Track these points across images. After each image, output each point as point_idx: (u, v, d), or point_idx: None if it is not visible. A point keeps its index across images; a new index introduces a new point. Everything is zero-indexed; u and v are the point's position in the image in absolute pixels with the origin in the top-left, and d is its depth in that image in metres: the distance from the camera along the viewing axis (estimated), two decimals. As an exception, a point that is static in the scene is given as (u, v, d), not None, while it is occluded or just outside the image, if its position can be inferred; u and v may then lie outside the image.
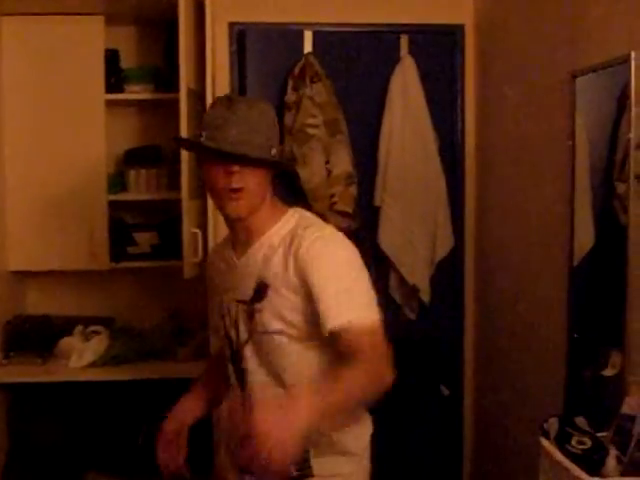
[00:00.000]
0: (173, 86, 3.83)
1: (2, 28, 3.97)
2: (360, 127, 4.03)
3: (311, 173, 3.85)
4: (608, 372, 2.61)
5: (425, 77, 4.04)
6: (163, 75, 4.13)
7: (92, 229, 4.00)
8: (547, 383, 3.20)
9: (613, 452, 2.14)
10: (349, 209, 3.88)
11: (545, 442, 2.30)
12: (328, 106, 3.89)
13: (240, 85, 4.02)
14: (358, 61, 4.07)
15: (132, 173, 4.18)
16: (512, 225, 3.68)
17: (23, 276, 4.25)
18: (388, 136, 4.02)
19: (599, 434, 2.26)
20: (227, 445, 2.47)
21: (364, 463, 2.38)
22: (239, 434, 2.23)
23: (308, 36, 4.00)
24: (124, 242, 4.21)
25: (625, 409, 2.22)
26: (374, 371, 2.09)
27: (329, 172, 3.88)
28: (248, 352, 2.29)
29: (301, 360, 2.24)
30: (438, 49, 4.16)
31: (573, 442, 2.20)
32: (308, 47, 3.99)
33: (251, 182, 2.20)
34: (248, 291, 2.27)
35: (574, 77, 2.90)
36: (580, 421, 2.32)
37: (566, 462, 2.15)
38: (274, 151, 2.23)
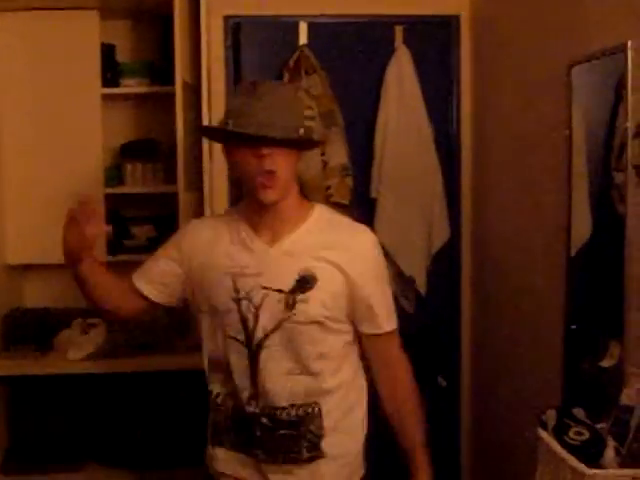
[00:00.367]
0: (169, 80, 3.83)
1: (-2, 23, 3.96)
2: (355, 119, 4.03)
3: (307, 165, 3.84)
4: (606, 363, 2.61)
5: (420, 68, 4.04)
6: (159, 69, 4.12)
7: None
8: (545, 374, 3.20)
9: (611, 443, 2.14)
10: (345, 201, 3.88)
11: (543, 433, 2.30)
12: (323, 98, 3.90)
13: (235, 78, 4.02)
14: (353, 52, 4.07)
15: (129, 167, 4.17)
16: (509, 216, 3.68)
17: (21, 269, 4.24)
18: (383, 127, 4.03)
19: (597, 425, 2.26)
20: (236, 424, 2.43)
21: (363, 443, 2.50)
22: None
23: (303, 28, 4.00)
24: (121, 235, 4.21)
25: (623, 400, 2.22)
26: (409, 373, 2.47)
27: (325, 164, 3.88)
28: (272, 339, 2.31)
29: (329, 349, 2.36)
30: (433, 40, 4.16)
31: (571, 433, 2.20)
32: (303, 39, 3.99)
33: (282, 164, 2.24)
34: (287, 280, 2.29)
35: (570, 67, 2.89)
36: (578, 412, 2.32)
37: (564, 453, 2.15)
38: (301, 131, 2.26)
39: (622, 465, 2.09)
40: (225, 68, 4.03)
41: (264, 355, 2.32)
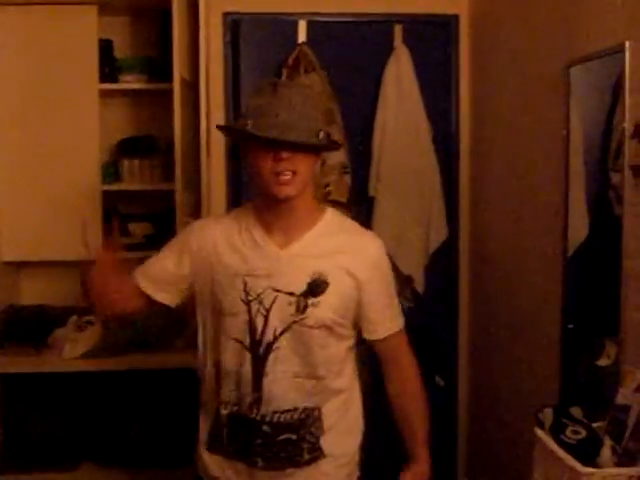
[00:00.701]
0: (167, 76, 3.82)
1: (-5, 18, 3.96)
2: (354, 117, 4.03)
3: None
4: (603, 362, 2.62)
5: (419, 67, 4.05)
6: (157, 65, 4.11)
7: (86, 219, 3.97)
8: (542, 373, 3.21)
9: (608, 442, 2.14)
10: (343, 199, 3.88)
11: (540, 432, 2.30)
12: (322, 96, 3.89)
13: (234, 75, 4.02)
14: (352, 51, 4.08)
15: (126, 163, 4.16)
16: (506, 215, 3.68)
17: (17, 267, 4.23)
18: (382, 126, 4.03)
19: (594, 424, 2.26)
20: (235, 433, 2.39)
21: (360, 444, 2.50)
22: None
23: (302, 26, 4.00)
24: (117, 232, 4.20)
25: (620, 399, 2.22)
26: (416, 368, 2.50)
27: (323, 162, 3.88)
28: (281, 343, 2.29)
29: (336, 353, 2.37)
30: (432, 39, 4.16)
31: (568, 432, 2.20)
32: (302, 37, 3.99)
33: (301, 167, 2.22)
34: (298, 283, 2.28)
35: (568, 67, 2.90)
36: (575, 411, 2.32)
37: (561, 452, 2.15)
38: (322, 134, 2.24)
39: (618, 464, 2.09)
40: (224, 65, 4.03)
41: (272, 358, 2.29)
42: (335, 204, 3.82)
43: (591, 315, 2.85)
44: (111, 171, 4.16)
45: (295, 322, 2.27)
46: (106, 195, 4.05)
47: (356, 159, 4.00)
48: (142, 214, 4.29)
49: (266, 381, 2.30)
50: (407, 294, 4.06)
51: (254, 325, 2.29)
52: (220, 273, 2.35)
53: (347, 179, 3.94)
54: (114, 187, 4.11)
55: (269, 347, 2.29)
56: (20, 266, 4.25)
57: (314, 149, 2.26)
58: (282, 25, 4.03)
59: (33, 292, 4.30)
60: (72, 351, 3.89)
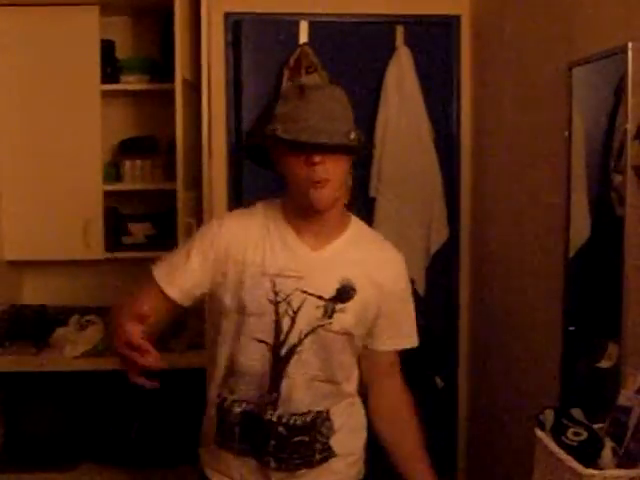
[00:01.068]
0: (168, 76, 3.83)
1: (-3, 19, 3.96)
2: (355, 117, 4.02)
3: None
4: (604, 364, 2.61)
5: (421, 68, 4.04)
6: (158, 65, 4.12)
7: (87, 219, 3.99)
8: (543, 375, 3.20)
9: (609, 444, 2.14)
10: (345, 200, 3.87)
11: (540, 433, 2.30)
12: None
13: (235, 75, 4.01)
14: (354, 52, 4.06)
15: (127, 163, 4.17)
16: (508, 217, 3.68)
17: (18, 266, 4.24)
18: (383, 127, 4.02)
19: (595, 426, 2.25)
20: (248, 432, 2.36)
21: (365, 443, 2.51)
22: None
23: (304, 26, 3.99)
24: (119, 232, 4.20)
25: (621, 401, 2.22)
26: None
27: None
28: (305, 345, 2.27)
29: (350, 359, 2.39)
30: (434, 40, 4.15)
31: (569, 434, 2.19)
32: (304, 37, 3.98)
33: (334, 171, 2.20)
34: (327, 288, 2.27)
35: (571, 68, 2.89)
36: (576, 412, 2.31)
37: (562, 454, 2.15)
38: (353, 135, 2.21)
39: (619, 465, 2.08)
40: (225, 65, 4.02)
41: (294, 360, 2.27)
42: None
43: (593, 316, 2.85)
44: (113, 171, 4.17)
45: (321, 326, 2.26)
46: (107, 195, 4.06)
47: (357, 160, 3.99)
48: (143, 214, 4.30)
49: (285, 383, 2.28)
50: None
51: (280, 326, 2.26)
52: (246, 272, 2.29)
53: (348, 180, 3.93)
54: (116, 187, 4.13)
55: (292, 349, 2.27)
56: (22, 265, 4.26)
57: (346, 151, 2.23)
58: (284, 25, 4.02)
59: (35, 291, 4.32)
60: (73, 350, 3.90)
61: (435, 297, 4.15)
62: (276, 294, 2.26)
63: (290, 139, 2.15)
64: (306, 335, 2.26)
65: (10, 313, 4.05)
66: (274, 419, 2.29)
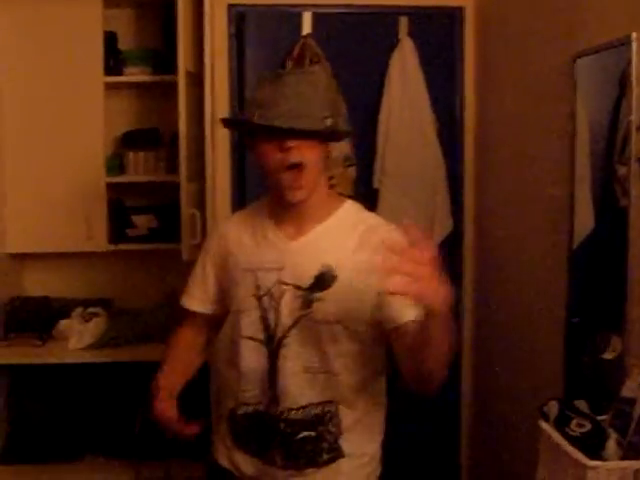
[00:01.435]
0: (172, 68, 3.82)
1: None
2: (359, 109, 4.02)
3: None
4: (608, 355, 2.61)
5: (424, 59, 4.02)
6: (162, 57, 4.11)
7: (90, 211, 3.99)
8: (546, 367, 3.20)
9: (613, 435, 2.14)
10: (348, 191, 3.87)
11: (544, 425, 2.30)
12: (331, 86, 3.88)
13: (239, 67, 4.01)
14: (357, 43, 4.05)
15: (130, 155, 4.17)
16: (511, 208, 3.68)
17: (22, 258, 4.25)
18: (387, 118, 4.01)
19: (599, 417, 2.25)
20: (253, 431, 2.36)
21: (381, 445, 2.43)
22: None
23: (307, 18, 3.98)
24: (122, 224, 4.20)
25: (625, 392, 2.22)
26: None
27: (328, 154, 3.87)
28: (291, 337, 2.24)
29: (350, 349, 2.27)
30: (438, 31, 4.14)
31: (572, 425, 2.19)
32: (307, 29, 3.97)
33: (310, 157, 2.17)
34: (305, 277, 2.23)
35: (574, 59, 2.88)
36: (580, 404, 2.31)
37: (565, 445, 2.15)
38: (329, 121, 2.19)
39: (623, 457, 2.09)
40: (228, 57, 4.01)
41: (282, 353, 2.25)
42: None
43: (596, 308, 2.85)
44: (116, 163, 4.17)
45: (303, 316, 2.23)
46: (110, 187, 4.06)
47: (361, 151, 3.99)
48: (146, 206, 4.30)
49: (280, 377, 2.26)
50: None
51: (267, 321, 2.26)
52: (232, 270, 2.33)
53: (351, 171, 3.94)
54: (118, 179, 4.13)
55: (280, 342, 2.25)
56: (25, 258, 4.26)
57: (320, 136, 2.21)
58: (287, 17, 4.02)
59: (38, 283, 4.32)
60: (77, 342, 3.90)
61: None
62: (258, 288, 2.27)
63: (265, 124, 2.14)
64: (291, 327, 2.24)
65: (13, 305, 4.05)
66: (276, 415, 2.28)
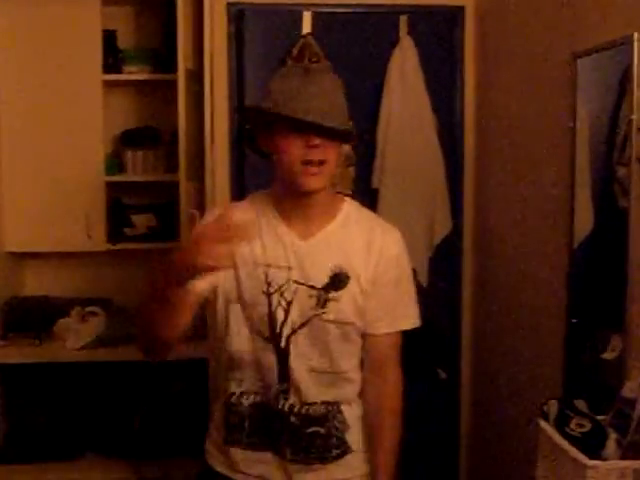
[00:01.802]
0: (171, 67, 3.82)
1: (-2, 9, 3.95)
2: (358, 108, 4.00)
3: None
4: (608, 355, 2.61)
5: (424, 58, 4.02)
6: (161, 56, 4.10)
7: (89, 210, 3.98)
8: (546, 366, 3.20)
9: (612, 435, 2.14)
10: (347, 191, 3.87)
11: (544, 424, 2.29)
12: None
13: (238, 66, 4.00)
14: (357, 42, 4.05)
15: (129, 154, 4.16)
16: (511, 208, 3.67)
17: (20, 257, 4.24)
18: (387, 117, 4.01)
19: (599, 417, 2.25)
20: (259, 423, 2.35)
21: None
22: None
23: (307, 17, 3.98)
24: (121, 223, 4.20)
25: (625, 392, 2.22)
26: (402, 384, 2.41)
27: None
28: (302, 336, 2.26)
29: (355, 347, 2.33)
30: (438, 30, 4.13)
31: (572, 425, 2.19)
32: (307, 28, 3.97)
33: (330, 156, 2.18)
34: (319, 276, 2.24)
35: (575, 58, 2.88)
36: (580, 404, 2.31)
37: (565, 444, 2.15)
38: (350, 123, 2.22)
39: (623, 457, 2.09)
40: (228, 56, 4.00)
41: (292, 351, 2.26)
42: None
43: (596, 308, 2.84)
44: (114, 162, 4.16)
45: (315, 316, 2.24)
46: (109, 186, 4.06)
47: (360, 151, 3.99)
48: (145, 205, 4.29)
49: (292, 373, 2.27)
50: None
51: (274, 318, 2.26)
52: (243, 263, 2.27)
53: (351, 171, 3.94)
54: (117, 178, 4.12)
55: (289, 340, 2.26)
56: (23, 257, 4.26)
57: (344, 138, 2.23)
58: (287, 16, 4.01)
59: (36, 283, 4.31)
60: (75, 342, 3.89)
61: (438, 289, 4.14)
62: (269, 285, 2.26)
63: (296, 118, 2.12)
64: (300, 326, 2.25)
65: (12, 304, 4.05)
66: (285, 409, 2.29)
